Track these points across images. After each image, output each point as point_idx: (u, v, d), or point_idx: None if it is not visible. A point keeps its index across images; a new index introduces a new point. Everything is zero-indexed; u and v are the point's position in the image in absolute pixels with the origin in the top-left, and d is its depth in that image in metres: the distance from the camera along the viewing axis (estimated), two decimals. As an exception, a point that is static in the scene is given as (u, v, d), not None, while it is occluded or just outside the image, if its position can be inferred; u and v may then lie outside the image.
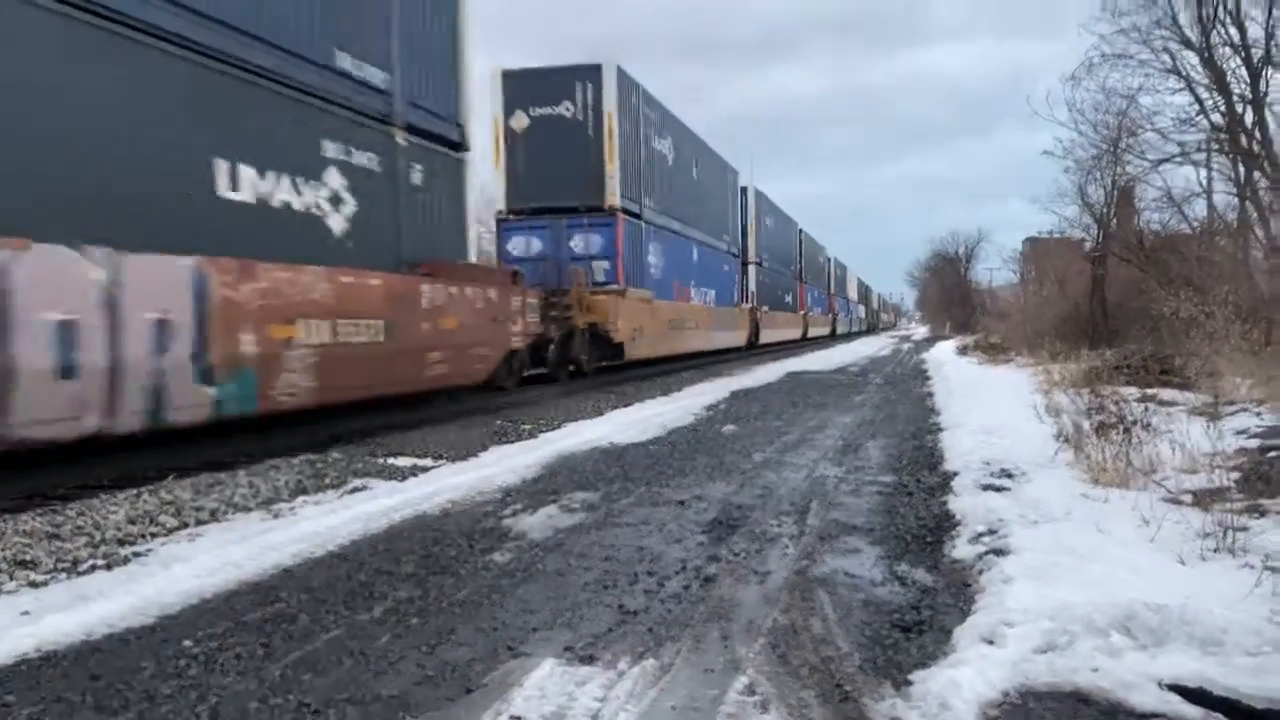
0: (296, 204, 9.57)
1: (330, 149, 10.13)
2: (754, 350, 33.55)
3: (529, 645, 3.88)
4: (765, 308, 36.14)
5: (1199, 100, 18.94)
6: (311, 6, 9.82)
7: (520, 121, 18.87)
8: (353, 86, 10.54)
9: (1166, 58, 19.07)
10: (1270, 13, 16.32)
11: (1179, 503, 5.68)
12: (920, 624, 4.08)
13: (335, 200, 10.20)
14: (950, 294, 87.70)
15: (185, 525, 6.06)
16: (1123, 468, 6.66)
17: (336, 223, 10.21)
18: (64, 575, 4.95)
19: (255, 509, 6.61)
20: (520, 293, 14.68)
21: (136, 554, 5.34)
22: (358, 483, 7.57)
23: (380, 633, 4.07)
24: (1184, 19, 18.42)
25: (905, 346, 47.66)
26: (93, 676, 3.58)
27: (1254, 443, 7.65)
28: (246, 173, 8.84)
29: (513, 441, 10.11)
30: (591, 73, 18.74)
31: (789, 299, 43.46)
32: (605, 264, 18.73)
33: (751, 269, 34.37)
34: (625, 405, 14.19)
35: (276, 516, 6.38)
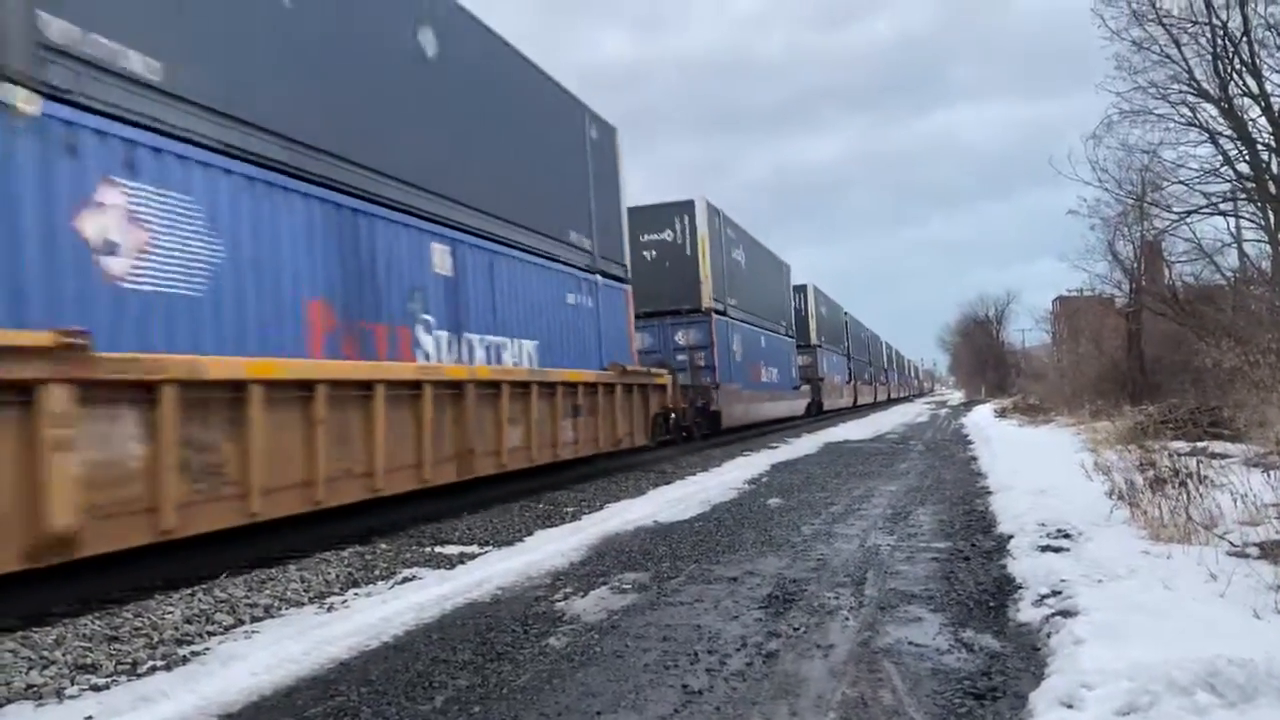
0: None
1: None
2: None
3: (595, 729, 3.82)
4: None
5: (1222, 151, 18.98)
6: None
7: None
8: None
9: (1186, 111, 19.22)
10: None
11: (1245, 556, 5.56)
12: (993, 690, 3.99)
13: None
14: (983, 357, 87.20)
15: (241, 623, 6.06)
16: (1183, 523, 6.53)
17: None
18: (124, 678, 4.94)
19: (308, 603, 6.59)
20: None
21: (195, 653, 5.34)
22: (407, 573, 7.55)
23: (444, 722, 4.02)
24: (1200, 73, 18.57)
25: (942, 412, 47.27)
26: (161, 778, 3.57)
27: (1315, 491, 7.48)
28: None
29: (556, 525, 10.07)
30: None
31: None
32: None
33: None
34: (666, 483, 14.13)
35: (330, 610, 6.36)
